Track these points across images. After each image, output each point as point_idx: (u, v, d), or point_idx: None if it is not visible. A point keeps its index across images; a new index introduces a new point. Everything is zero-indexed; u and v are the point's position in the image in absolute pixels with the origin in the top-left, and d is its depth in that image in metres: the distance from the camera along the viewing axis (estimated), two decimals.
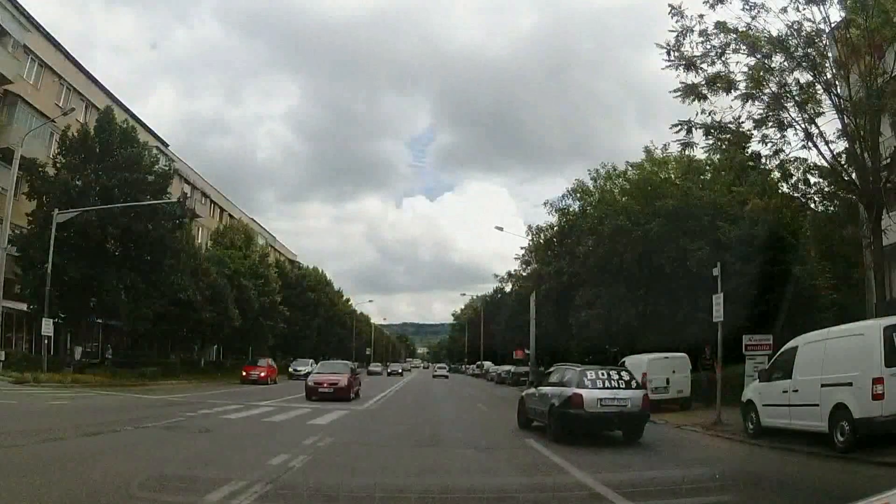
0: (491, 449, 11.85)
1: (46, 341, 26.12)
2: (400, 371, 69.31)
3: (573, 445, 11.93)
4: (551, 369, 17.99)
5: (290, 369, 43.57)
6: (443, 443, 12.41)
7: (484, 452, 11.25)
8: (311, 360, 45.99)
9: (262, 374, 35.83)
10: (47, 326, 25.30)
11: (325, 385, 21.79)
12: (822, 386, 10.90)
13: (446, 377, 61.89)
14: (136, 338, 36.51)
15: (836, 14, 14.99)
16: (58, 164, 28.73)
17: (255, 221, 64.57)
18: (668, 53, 15.67)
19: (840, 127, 14.93)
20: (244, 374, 35.91)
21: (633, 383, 13.47)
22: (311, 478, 7.75)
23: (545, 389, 14.51)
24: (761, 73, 15.00)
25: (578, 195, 33.26)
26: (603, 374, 13.28)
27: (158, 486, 6.86)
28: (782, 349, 13.05)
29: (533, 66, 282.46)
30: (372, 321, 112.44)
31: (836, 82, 14.87)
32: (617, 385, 13.08)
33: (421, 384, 45.03)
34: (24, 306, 28.67)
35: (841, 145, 15.39)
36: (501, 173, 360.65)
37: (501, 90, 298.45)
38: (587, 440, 12.25)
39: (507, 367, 50.04)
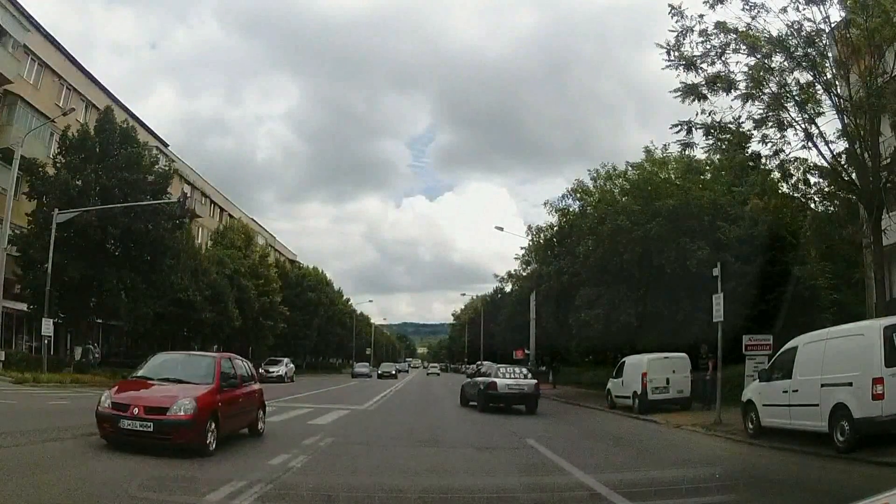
0: (490, 449, 11.85)
1: (46, 341, 26.11)
2: (393, 372, 58.10)
3: (573, 446, 11.93)
4: (483, 366, 26.83)
5: (261, 370, 37.97)
6: (442, 443, 12.41)
7: (484, 452, 11.25)
8: (286, 360, 44.09)
9: None
10: (47, 326, 25.29)
11: (136, 413, 8.96)
12: (822, 386, 10.89)
13: (438, 374, 74.88)
14: (136, 338, 36.51)
15: (836, 14, 15.00)
16: (58, 164, 28.72)
17: (254, 221, 64.54)
18: (668, 53, 15.66)
19: (840, 127, 14.93)
20: None
21: (529, 375, 21.30)
22: (311, 478, 7.76)
23: (477, 379, 21.98)
24: (761, 73, 14.98)
25: (578, 195, 33.16)
26: (511, 370, 21.21)
27: (158, 486, 6.86)
28: (782, 349, 13.04)
29: (533, 66, 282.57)
30: (372, 321, 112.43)
31: (836, 82, 14.86)
32: (518, 376, 20.62)
33: (418, 386, 44.87)
34: (24, 306, 28.66)
35: (841, 145, 15.39)
36: (501, 173, 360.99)
37: (501, 90, 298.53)
38: (579, 442, 12.24)
39: None
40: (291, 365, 44.45)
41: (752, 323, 18.78)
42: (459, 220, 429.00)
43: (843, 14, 14.96)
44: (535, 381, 21.04)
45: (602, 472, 8.55)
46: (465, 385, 23.38)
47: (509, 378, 20.28)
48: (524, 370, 21.89)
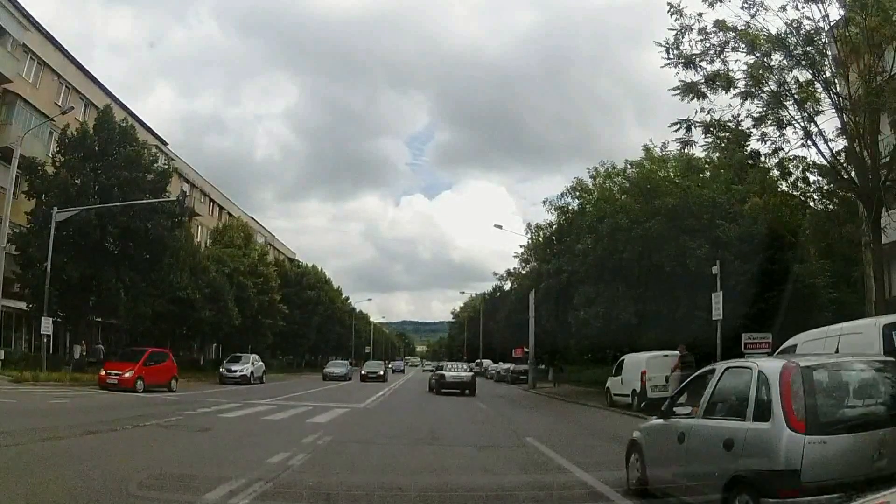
0: (490, 447, 11.83)
1: (46, 340, 26.10)
2: (381, 373, 44.73)
3: (572, 444, 11.95)
4: (441, 363, 41.27)
5: (222, 369, 34.52)
6: (442, 441, 12.40)
7: (483, 450, 11.23)
8: (254, 357, 36.99)
9: (126, 376, 22.61)
10: (46, 325, 25.26)
11: None
12: None
13: (433, 370, 74.02)
14: (135, 336, 36.47)
15: (835, 12, 15.02)
16: (57, 163, 28.67)
17: (254, 220, 64.47)
18: (668, 52, 15.70)
19: (839, 125, 14.98)
20: (102, 373, 23.48)
21: (469, 369, 33.43)
22: (310, 476, 7.75)
23: (437, 372, 32.21)
24: (760, 72, 15.00)
25: (577, 193, 33.14)
26: (455, 366, 33.57)
27: (157, 485, 6.87)
28: (781, 347, 13.02)
29: (532, 64, 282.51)
30: (371, 320, 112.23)
31: (836, 80, 14.88)
32: (460, 371, 31.66)
33: (418, 384, 44.71)
34: (23, 305, 28.63)
35: (840, 143, 15.45)
36: (500, 171, 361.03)
37: (500, 88, 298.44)
38: (578, 441, 12.27)
39: (506, 366, 50.11)
40: (260, 363, 37.37)
41: (752, 321, 18.79)
42: (458, 219, 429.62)
43: (842, 12, 14.97)
44: (473, 373, 32.05)
45: (601, 470, 8.53)
46: (430, 377, 34.14)
47: (453, 372, 31.14)
48: (465, 365, 36.36)
